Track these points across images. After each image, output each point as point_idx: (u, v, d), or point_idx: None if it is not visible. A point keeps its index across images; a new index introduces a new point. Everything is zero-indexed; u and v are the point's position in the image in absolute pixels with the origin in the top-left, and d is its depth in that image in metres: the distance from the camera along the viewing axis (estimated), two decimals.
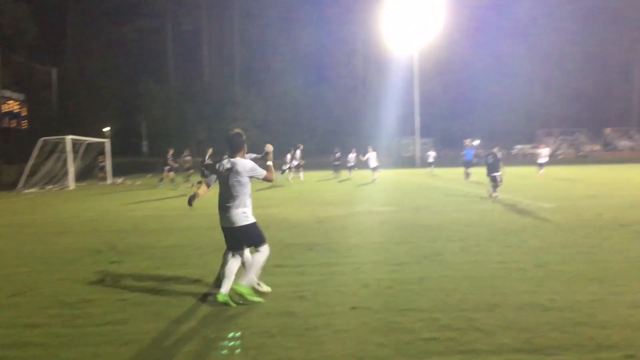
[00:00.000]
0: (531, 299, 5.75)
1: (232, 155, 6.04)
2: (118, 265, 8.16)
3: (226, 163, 6.01)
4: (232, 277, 6.13)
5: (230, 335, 5.06)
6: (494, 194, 17.09)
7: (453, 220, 12.30)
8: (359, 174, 33.91)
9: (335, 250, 8.79)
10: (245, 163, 5.97)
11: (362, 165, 33.19)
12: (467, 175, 27.24)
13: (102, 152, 33.20)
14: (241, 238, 6.08)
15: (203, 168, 17.61)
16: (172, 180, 26.97)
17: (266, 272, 7.22)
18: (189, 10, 73.04)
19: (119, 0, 68.76)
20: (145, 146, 70.14)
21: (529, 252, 8.32)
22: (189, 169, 28.65)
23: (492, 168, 17.23)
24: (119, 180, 32.50)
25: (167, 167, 26.80)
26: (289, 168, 30.03)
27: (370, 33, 69.50)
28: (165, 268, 7.79)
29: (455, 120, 74.85)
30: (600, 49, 76.26)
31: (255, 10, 72.97)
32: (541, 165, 28.86)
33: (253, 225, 6.02)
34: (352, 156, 32.65)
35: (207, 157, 22.09)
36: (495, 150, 17.70)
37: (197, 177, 26.86)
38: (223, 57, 77.65)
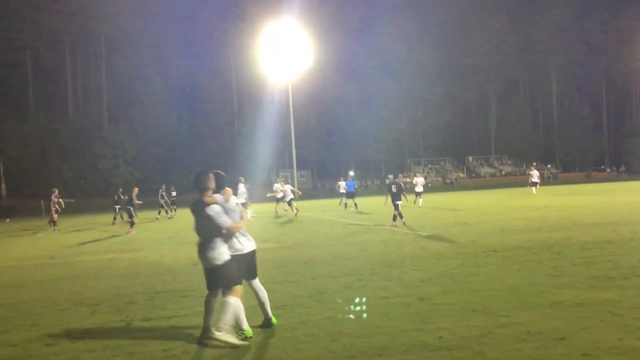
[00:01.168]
0: (419, 338, 5.49)
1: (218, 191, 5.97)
2: None
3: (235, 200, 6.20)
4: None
5: None
6: (394, 223, 17.52)
7: (334, 254, 12.08)
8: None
9: None
10: None
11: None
12: (355, 205, 27.79)
13: None
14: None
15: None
16: (52, 223, 24.62)
17: (133, 328, 6.45)
18: (50, 44, 68.91)
19: None
20: (2, 189, 64.53)
21: (411, 285, 8.19)
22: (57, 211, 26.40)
23: (396, 197, 17.75)
24: None
25: (54, 209, 24.57)
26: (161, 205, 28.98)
27: (244, 67, 69.64)
28: (13, 331, 6.69)
29: (330, 152, 76.51)
30: (460, 84, 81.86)
31: (123, 43, 70.35)
32: (418, 194, 29.53)
33: None
34: (278, 186, 28.77)
35: (133, 195, 22.10)
36: (398, 179, 18.30)
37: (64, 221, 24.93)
38: (89, 93, 73.93)
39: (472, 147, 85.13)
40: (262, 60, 57.54)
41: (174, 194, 32.14)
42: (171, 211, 30.52)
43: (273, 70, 56.95)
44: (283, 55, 53.76)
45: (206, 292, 5.89)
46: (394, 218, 17.71)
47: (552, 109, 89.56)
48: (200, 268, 6.07)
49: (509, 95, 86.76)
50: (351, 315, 6.57)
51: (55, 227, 24.31)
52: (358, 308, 6.93)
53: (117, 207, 27.06)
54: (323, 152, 76.94)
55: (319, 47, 61.12)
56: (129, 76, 70.56)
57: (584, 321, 5.79)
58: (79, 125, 68.83)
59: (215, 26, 71.92)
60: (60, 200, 25.54)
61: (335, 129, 76.93)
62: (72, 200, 36.14)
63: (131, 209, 21.76)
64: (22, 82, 69.45)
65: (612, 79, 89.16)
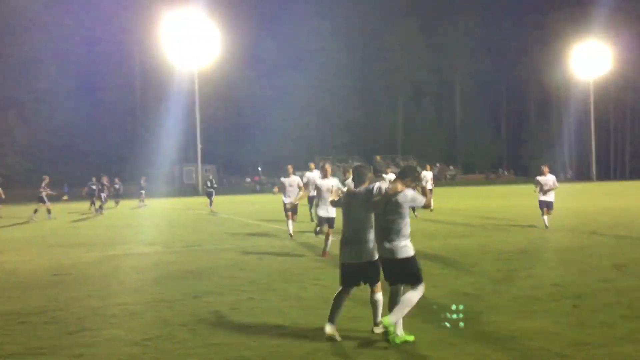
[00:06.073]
0: None
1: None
2: None
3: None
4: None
5: None
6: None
7: (227, 262, 10.58)
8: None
9: (57, 322, 6.36)
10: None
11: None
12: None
13: None
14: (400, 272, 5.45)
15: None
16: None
17: None
18: None
19: None
20: None
21: (311, 307, 6.83)
22: None
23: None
24: None
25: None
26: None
27: (148, 55, 66.06)
28: None
29: (238, 147, 74.24)
30: (369, 83, 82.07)
31: (14, 22, 64.55)
32: None
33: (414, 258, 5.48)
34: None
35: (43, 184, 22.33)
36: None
37: None
38: None
39: (379, 147, 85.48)
40: (168, 48, 54.81)
41: (117, 186, 30.66)
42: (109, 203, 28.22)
43: (179, 59, 54.43)
44: (190, 44, 51.46)
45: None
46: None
47: (456, 113, 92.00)
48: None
49: (417, 98, 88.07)
50: (237, 356, 5.12)
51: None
52: (248, 342, 5.46)
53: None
54: (230, 147, 74.48)
55: (228, 38, 58.83)
56: (20, 59, 64.87)
57: None
58: None
59: (115, 11, 67.47)
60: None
61: (243, 124, 74.70)
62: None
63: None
64: None
65: (512, 86, 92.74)
